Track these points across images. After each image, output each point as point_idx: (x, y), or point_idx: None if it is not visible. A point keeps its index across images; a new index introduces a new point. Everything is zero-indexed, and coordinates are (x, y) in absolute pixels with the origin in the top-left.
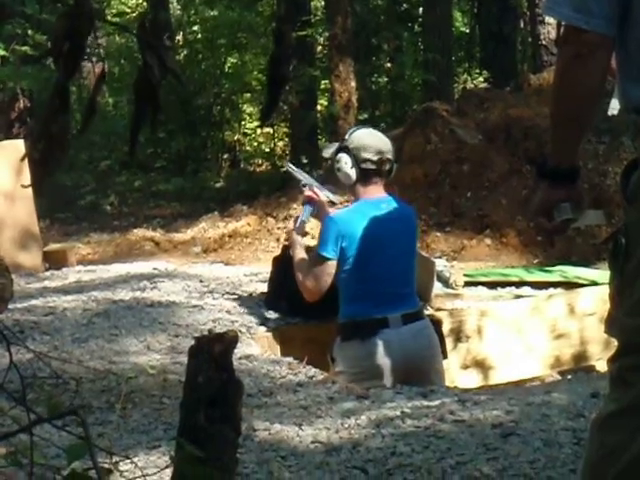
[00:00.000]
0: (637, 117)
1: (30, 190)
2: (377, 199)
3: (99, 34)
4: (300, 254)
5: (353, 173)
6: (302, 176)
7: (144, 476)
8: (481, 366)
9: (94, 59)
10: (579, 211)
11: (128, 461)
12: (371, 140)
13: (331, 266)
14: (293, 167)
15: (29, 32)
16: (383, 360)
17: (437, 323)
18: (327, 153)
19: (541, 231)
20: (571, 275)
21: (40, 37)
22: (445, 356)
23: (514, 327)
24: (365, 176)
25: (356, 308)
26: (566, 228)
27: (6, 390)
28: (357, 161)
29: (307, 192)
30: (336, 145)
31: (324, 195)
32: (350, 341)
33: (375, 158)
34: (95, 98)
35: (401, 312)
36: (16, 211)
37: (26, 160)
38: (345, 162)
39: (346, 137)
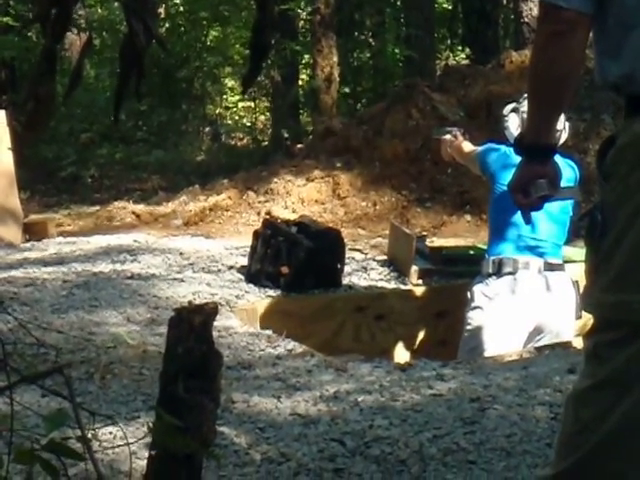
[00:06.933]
0: (615, 95)
1: (11, 161)
2: None
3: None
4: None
5: (517, 134)
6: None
7: (127, 444)
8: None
9: (77, 29)
10: (555, 188)
11: (107, 431)
12: None
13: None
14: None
15: (10, 2)
16: (512, 302)
17: (576, 283)
18: (506, 110)
19: (518, 208)
20: None
21: (22, 7)
22: (576, 316)
23: None
24: None
25: (499, 247)
26: (542, 204)
27: None
28: (522, 124)
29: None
30: (512, 105)
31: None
32: (487, 278)
33: None
34: (82, 65)
35: (541, 259)
36: None
37: (7, 130)
38: (512, 123)
39: (521, 100)
